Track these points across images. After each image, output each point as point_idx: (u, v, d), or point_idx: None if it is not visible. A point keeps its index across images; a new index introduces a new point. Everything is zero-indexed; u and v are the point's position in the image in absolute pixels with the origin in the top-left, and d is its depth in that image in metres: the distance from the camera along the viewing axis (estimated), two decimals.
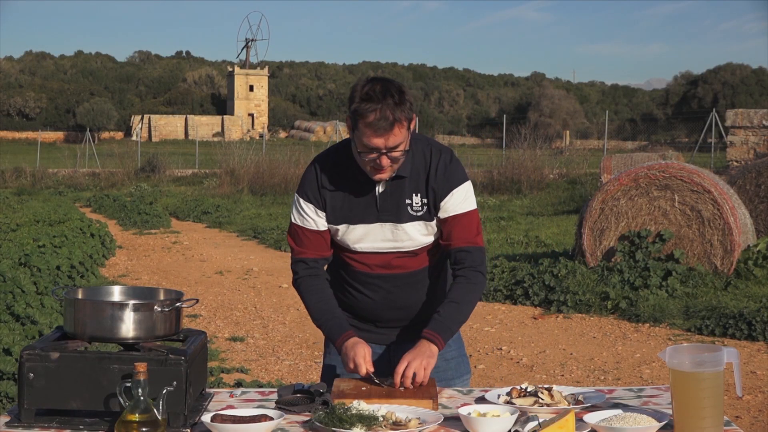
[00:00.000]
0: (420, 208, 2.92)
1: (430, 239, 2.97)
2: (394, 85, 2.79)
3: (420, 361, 2.74)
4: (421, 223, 2.93)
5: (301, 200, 2.97)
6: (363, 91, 2.76)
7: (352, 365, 2.82)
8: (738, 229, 9.53)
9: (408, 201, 2.91)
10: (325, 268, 3.08)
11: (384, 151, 2.77)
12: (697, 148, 33.12)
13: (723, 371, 2.32)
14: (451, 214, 2.92)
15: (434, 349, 2.81)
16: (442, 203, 2.92)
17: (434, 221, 2.95)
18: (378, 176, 2.85)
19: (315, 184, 2.95)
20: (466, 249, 2.93)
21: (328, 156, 2.99)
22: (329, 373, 3.14)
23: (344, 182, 2.93)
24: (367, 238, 2.94)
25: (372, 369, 2.81)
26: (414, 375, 2.73)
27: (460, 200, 2.93)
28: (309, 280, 2.99)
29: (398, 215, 2.91)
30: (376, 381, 2.79)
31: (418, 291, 3.04)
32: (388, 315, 3.05)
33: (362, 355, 2.81)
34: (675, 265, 9.49)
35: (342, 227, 2.95)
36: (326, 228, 2.97)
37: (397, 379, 2.72)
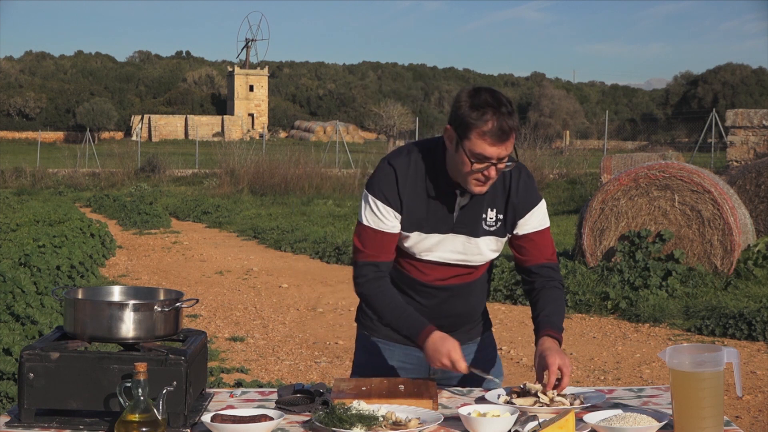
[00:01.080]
0: (494, 223, 2.88)
1: (496, 255, 2.96)
2: (503, 95, 2.74)
3: (568, 361, 2.73)
4: (492, 238, 2.89)
5: (379, 202, 2.84)
6: (474, 101, 2.69)
7: (446, 361, 2.74)
8: (738, 229, 9.53)
9: (483, 215, 2.87)
10: None
11: (495, 161, 2.70)
12: (697, 148, 33.10)
13: (723, 371, 2.32)
14: (531, 231, 2.91)
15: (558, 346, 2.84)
16: (521, 220, 2.89)
17: (505, 237, 2.93)
18: (479, 189, 2.77)
19: (394, 186, 2.84)
20: (550, 266, 2.95)
21: (406, 159, 2.88)
22: (358, 373, 3.09)
23: (424, 189, 2.84)
24: (438, 248, 2.88)
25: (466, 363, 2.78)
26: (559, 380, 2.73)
27: (540, 217, 2.92)
28: (378, 282, 2.89)
29: (474, 229, 2.87)
30: (477, 373, 2.80)
31: (469, 301, 3.02)
32: (437, 322, 2.96)
33: (458, 350, 2.75)
34: (675, 265, 9.50)
35: (414, 235, 2.87)
36: (399, 232, 2.88)
37: (553, 379, 2.68)
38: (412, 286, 2.96)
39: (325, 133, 69.29)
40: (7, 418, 2.48)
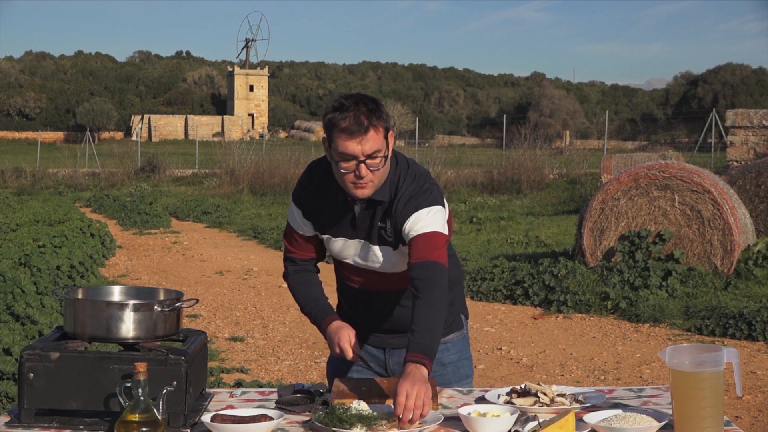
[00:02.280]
0: (391, 234, 2.88)
1: (401, 266, 2.89)
2: (370, 98, 2.78)
3: (418, 390, 2.50)
4: (388, 248, 2.89)
5: (293, 204, 3.01)
6: (337, 103, 2.75)
7: (338, 350, 2.87)
8: (738, 229, 9.53)
9: (381, 224, 2.88)
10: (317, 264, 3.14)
11: (362, 158, 2.72)
12: (697, 148, 33.09)
13: (723, 371, 2.32)
14: (412, 236, 2.81)
15: (424, 371, 2.61)
16: (403, 227, 2.82)
17: (403, 249, 2.87)
18: (360, 192, 2.78)
19: (305, 190, 2.97)
20: (418, 264, 2.76)
21: (321, 164, 2.98)
22: (330, 374, 3.17)
23: (331, 193, 2.91)
24: (345, 252, 2.96)
25: (359, 351, 2.88)
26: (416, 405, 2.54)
27: (420, 224, 2.80)
28: (297, 275, 3.08)
29: (370, 236, 2.90)
30: (370, 365, 2.83)
31: (406, 308, 2.96)
32: (381, 326, 3.08)
33: (347, 339, 2.85)
34: (675, 265, 9.50)
35: (326, 237, 2.98)
36: (314, 233, 3.00)
37: (400, 410, 2.46)
38: (348, 292, 3.09)
39: None
40: (7, 418, 2.49)
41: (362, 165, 2.73)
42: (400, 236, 2.86)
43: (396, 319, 3.04)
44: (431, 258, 2.77)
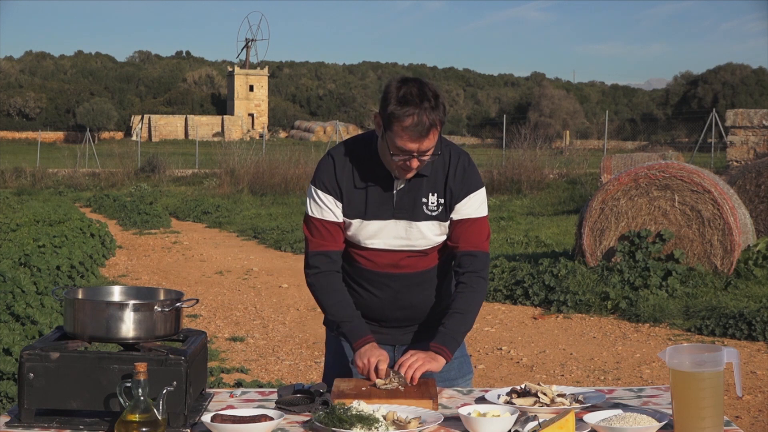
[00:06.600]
0: (435, 208, 2.92)
1: (442, 239, 2.98)
2: (430, 89, 2.79)
3: (422, 358, 2.80)
4: (435, 222, 2.93)
5: (320, 192, 2.94)
6: (400, 93, 2.75)
7: (363, 363, 2.82)
8: (738, 229, 9.53)
9: (424, 200, 2.92)
10: None
11: (416, 154, 2.78)
12: (697, 148, 33.08)
13: (723, 371, 2.32)
14: (464, 217, 2.93)
15: (440, 359, 2.85)
16: (458, 205, 2.93)
17: (448, 222, 2.95)
18: (403, 175, 2.87)
19: (332, 175, 2.93)
20: (472, 253, 2.93)
21: (345, 148, 2.97)
22: (329, 374, 3.14)
23: (362, 176, 2.92)
24: (381, 234, 2.94)
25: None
26: (412, 369, 2.79)
27: (476, 205, 2.95)
28: (329, 276, 2.96)
29: (414, 213, 2.92)
30: (377, 386, 2.80)
31: (425, 290, 3.03)
32: (393, 314, 3.05)
33: (381, 360, 2.81)
34: (675, 265, 9.49)
35: (356, 222, 2.94)
36: (342, 220, 2.96)
37: (404, 368, 2.78)
38: (364, 276, 3.01)
39: (325, 133, 69.26)
40: (7, 418, 2.49)
41: (415, 159, 2.80)
42: (451, 209, 2.93)
43: (416, 304, 3.03)
44: (484, 248, 2.96)
